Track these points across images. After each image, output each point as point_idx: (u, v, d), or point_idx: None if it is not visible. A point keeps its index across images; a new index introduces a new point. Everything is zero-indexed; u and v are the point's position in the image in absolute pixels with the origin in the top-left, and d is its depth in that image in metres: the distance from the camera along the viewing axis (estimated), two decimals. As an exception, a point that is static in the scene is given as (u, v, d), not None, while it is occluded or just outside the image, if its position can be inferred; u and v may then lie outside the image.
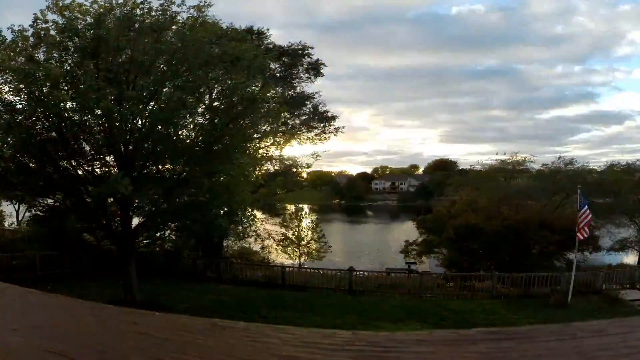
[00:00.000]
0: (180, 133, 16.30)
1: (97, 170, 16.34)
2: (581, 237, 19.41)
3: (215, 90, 18.08)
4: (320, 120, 28.99)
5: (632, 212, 32.82)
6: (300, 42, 28.27)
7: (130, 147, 15.36)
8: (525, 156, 39.49)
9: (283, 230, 32.32)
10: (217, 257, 25.74)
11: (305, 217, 34.27)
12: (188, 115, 16.31)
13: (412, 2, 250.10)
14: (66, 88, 14.43)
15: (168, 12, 15.33)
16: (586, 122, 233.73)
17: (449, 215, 30.00)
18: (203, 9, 15.97)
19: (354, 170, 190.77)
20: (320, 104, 28.99)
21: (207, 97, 18.76)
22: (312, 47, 28.22)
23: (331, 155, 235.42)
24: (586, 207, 19.18)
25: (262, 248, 29.67)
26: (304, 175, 43.75)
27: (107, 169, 16.21)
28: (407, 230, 37.65)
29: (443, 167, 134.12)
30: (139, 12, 15.14)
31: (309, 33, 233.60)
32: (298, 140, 28.87)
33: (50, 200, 17.86)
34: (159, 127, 15.21)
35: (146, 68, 14.73)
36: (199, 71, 15.57)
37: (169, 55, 15.08)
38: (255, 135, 19.60)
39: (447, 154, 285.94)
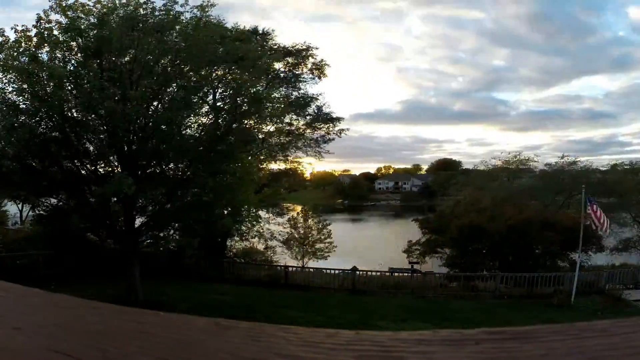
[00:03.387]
0: (184, 133, 16.33)
1: (100, 170, 16.38)
2: (603, 232, 19.75)
3: (219, 90, 18.11)
4: (324, 121, 28.97)
5: (636, 211, 32.73)
6: (304, 42, 28.28)
7: (134, 147, 15.39)
8: (529, 156, 39.51)
9: (287, 230, 32.35)
10: (221, 256, 25.76)
11: (312, 218, 34.28)
12: (192, 114, 16.36)
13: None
14: (70, 88, 14.49)
15: (171, 12, 15.37)
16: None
17: (452, 215, 29.93)
18: (206, 9, 16.00)
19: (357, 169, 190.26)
20: (324, 104, 28.98)
21: (211, 96, 18.79)
22: (317, 48, 28.24)
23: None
24: (594, 204, 19.17)
25: (266, 248, 29.66)
26: (307, 175, 43.79)
27: (110, 169, 16.25)
28: (409, 230, 37.48)
29: (446, 167, 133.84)
30: (142, 12, 15.19)
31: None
32: (302, 140, 28.89)
33: (53, 200, 17.91)
34: (163, 126, 15.25)
35: (150, 68, 14.78)
36: (203, 71, 15.61)
37: (173, 55, 15.12)
38: (259, 136, 19.64)
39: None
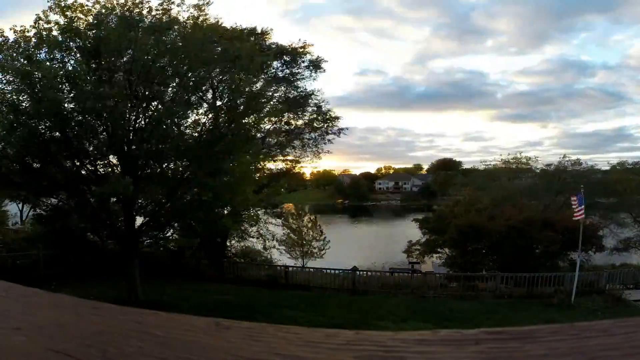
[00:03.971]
0: (183, 132, 16.32)
1: (100, 170, 16.37)
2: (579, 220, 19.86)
3: (218, 90, 18.11)
4: (323, 120, 28.91)
5: (637, 211, 32.75)
6: (300, 39, 28.32)
7: (133, 147, 15.38)
8: (529, 156, 39.60)
9: (286, 230, 32.38)
10: (221, 256, 25.75)
11: (304, 215, 34.34)
12: (190, 114, 16.36)
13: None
14: (68, 88, 14.47)
15: (169, 12, 15.38)
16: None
17: (452, 215, 29.97)
18: (203, 8, 15.99)
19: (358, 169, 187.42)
20: (323, 102, 28.89)
21: (209, 95, 18.78)
22: (312, 45, 28.25)
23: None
24: (582, 206, 19.33)
25: (265, 248, 29.63)
26: (307, 175, 43.80)
27: (110, 169, 16.24)
28: (410, 230, 37.54)
29: (446, 167, 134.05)
30: (139, 11, 15.18)
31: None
32: (301, 140, 28.84)
33: (53, 200, 17.90)
34: (162, 126, 15.24)
35: (148, 68, 14.75)
36: (201, 70, 15.60)
37: (170, 55, 15.11)
38: (257, 135, 19.63)
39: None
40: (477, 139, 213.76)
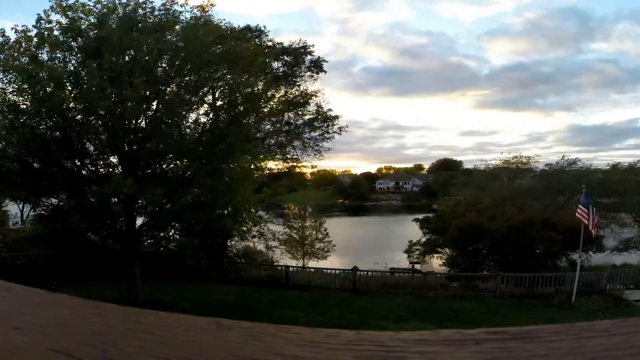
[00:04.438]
0: (183, 132, 16.31)
1: (101, 170, 16.36)
2: (593, 234, 19.99)
3: (218, 90, 18.11)
4: (323, 119, 28.88)
5: (637, 212, 32.71)
6: (300, 40, 28.31)
7: (134, 147, 15.38)
8: (530, 156, 39.59)
9: (287, 230, 32.36)
10: (222, 256, 25.75)
11: (309, 217, 34.31)
12: (191, 114, 16.36)
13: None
14: (70, 88, 14.48)
15: (171, 12, 15.38)
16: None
17: (452, 215, 29.95)
18: (207, 9, 16.00)
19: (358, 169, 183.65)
20: (323, 102, 28.86)
21: (210, 96, 18.79)
22: (313, 45, 28.22)
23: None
24: (590, 205, 19.16)
25: (267, 248, 29.62)
26: (308, 175, 43.78)
27: (110, 169, 16.23)
28: (410, 230, 37.48)
29: (447, 167, 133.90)
30: (141, 11, 15.18)
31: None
32: (301, 139, 28.81)
33: (54, 200, 17.90)
34: (162, 126, 15.23)
35: (149, 68, 14.74)
36: (202, 71, 15.60)
37: (172, 55, 15.11)
38: (257, 135, 19.63)
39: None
40: (474, 133, 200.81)
